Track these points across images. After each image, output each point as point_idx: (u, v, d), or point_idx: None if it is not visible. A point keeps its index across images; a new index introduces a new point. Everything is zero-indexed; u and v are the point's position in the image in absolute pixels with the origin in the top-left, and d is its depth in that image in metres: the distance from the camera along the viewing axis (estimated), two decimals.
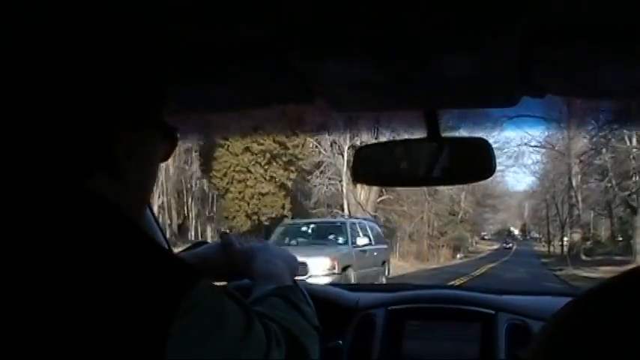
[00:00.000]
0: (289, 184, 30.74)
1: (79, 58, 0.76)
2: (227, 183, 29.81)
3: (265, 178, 29.91)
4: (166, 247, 1.86)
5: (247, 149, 28.76)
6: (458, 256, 41.61)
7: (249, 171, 29.74)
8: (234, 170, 29.42)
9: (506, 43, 0.92)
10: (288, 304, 0.94)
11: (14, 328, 0.65)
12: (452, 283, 15.97)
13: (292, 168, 30.60)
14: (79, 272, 0.67)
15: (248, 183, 29.89)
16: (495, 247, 64.79)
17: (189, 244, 1.37)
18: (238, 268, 1.14)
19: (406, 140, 1.46)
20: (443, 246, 40.51)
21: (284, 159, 29.36)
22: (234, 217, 30.20)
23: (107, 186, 0.77)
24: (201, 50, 1.02)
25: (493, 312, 1.76)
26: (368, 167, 1.48)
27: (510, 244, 57.74)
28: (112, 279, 0.67)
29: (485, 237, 75.65)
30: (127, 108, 0.79)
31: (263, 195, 30.06)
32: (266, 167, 29.62)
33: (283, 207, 30.66)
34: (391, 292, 1.97)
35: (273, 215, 29.87)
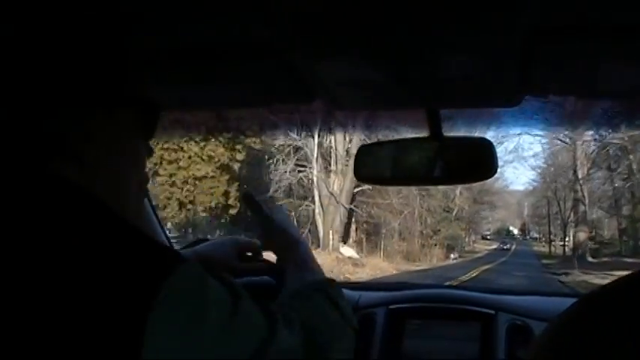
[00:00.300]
0: (235, 166, 25.79)
1: (34, 38, 0.73)
2: (155, 164, 23.63)
3: (202, 158, 24.83)
4: (166, 242, 1.86)
5: (177, 121, 24.21)
6: (452, 256, 39.70)
7: (182, 149, 24.66)
8: (162, 148, 23.70)
9: (508, 42, 0.92)
10: (329, 301, 0.92)
11: None
12: None
13: (239, 147, 25.44)
14: (45, 261, 0.65)
15: (180, 164, 24.91)
16: (494, 246, 62.28)
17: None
18: (274, 250, 1.14)
19: (408, 139, 1.46)
20: (436, 245, 37.91)
21: (226, 135, 21.64)
22: (165, 207, 24.82)
23: (72, 172, 0.74)
24: (202, 49, 1.02)
25: (493, 312, 1.76)
26: (370, 166, 1.48)
27: (508, 245, 54.48)
28: (82, 265, 0.65)
29: (488, 237, 73.92)
30: (75, 89, 0.75)
31: (199, 179, 25.10)
32: (203, 145, 24.27)
33: (226, 195, 25.51)
34: (392, 291, 1.97)
35: (213, 204, 25.55)
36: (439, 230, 38.92)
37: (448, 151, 1.38)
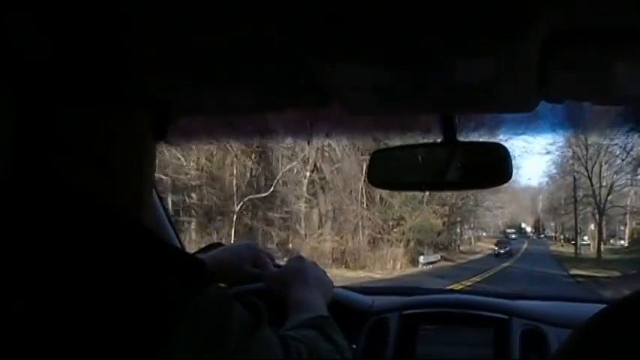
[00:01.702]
0: None
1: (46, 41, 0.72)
2: None
3: None
4: (177, 243, 1.86)
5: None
6: (421, 259, 28.45)
7: None
8: None
9: (525, 47, 0.91)
10: (322, 335, 0.92)
11: (11, 336, 0.63)
12: None
13: None
14: (72, 279, 0.65)
15: None
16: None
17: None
18: (272, 291, 1.13)
19: (422, 144, 1.45)
20: (400, 241, 26.64)
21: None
22: None
23: (97, 182, 0.74)
24: (216, 52, 1.02)
25: (507, 317, 1.75)
26: (384, 171, 1.48)
27: (507, 248, 40.05)
28: (109, 284, 0.65)
29: (503, 232, 64.38)
30: (102, 89, 0.75)
31: None
32: None
33: None
34: (406, 295, 1.96)
35: None
36: (402, 219, 28.18)
37: (462, 156, 1.38)
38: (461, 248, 42.27)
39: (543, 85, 1.07)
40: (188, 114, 1.45)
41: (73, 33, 0.74)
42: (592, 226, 42.32)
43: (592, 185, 36.14)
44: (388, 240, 26.89)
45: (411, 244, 28.38)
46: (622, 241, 43.59)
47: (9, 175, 0.71)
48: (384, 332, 1.76)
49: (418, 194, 25.92)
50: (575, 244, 41.39)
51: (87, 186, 0.73)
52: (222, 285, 1.11)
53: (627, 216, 41.29)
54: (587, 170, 35.93)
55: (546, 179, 52.65)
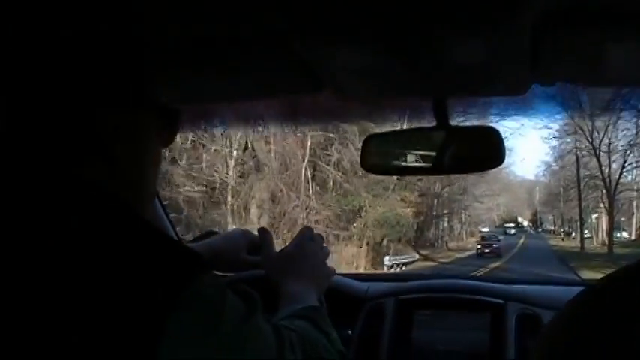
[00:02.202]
0: None
1: (54, 38, 0.74)
2: None
3: None
4: (173, 235, 1.87)
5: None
6: (387, 260, 23.55)
7: None
8: None
9: (517, 28, 0.91)
10: (313, 326, 0.93)
11: (6, 320, 0.64)
12: None
13: None
14: (73, 264, 0.66)
15: None
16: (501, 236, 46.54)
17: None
18: (267, 276, 1.13)
19: (415, 129, 1.45)
20: (360, 238, 22.15)
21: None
22: None
23: (100, 173, 0.76)
24: (207, 39, 1.01)
25: (502, 301, 1.76)
26: (377, 156, 1.48)
27: (495, 245, 33.79)
28: (108, 269, 0.66)
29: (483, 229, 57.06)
30: (109, 86, 0.77)
31: None
32: None
33: None
34: (401, 281, 1.97)
35: None
36: (362, 210, 23.24)
37: (455, 141, 1.38)
38: (450, 245, 39.23)
39: (535, 67, 1.07)
40: (178, 101, 1.44)
41: (86, 33, 0.76)
42: (594, 217, 38.91)
43: (599, 162, 30.20)
44: (344, 237, 22.39)
45: (381, 241, 24.31)
46: (625, 233, 39.69)
47: (22, 162, 0.73)
48: (380, 317, 1.77)
49: (385, 179, 22.13)
50: (581, 237, 36.70)
51: (95, 179, 0.75)
52: (218, 273, 1.12)
53: (634, 203, 37.12)
54: (592, 145, 30.08)
55: (542, 168, 48.88)
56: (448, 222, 41.52)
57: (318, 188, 22.48)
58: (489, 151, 1.36)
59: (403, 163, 1.45)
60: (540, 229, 66.58)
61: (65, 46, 0.74)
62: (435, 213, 35.11)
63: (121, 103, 0.78)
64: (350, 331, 1.72)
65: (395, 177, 20.90)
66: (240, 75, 1.21)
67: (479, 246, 34.77)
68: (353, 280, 1.92)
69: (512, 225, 64.37)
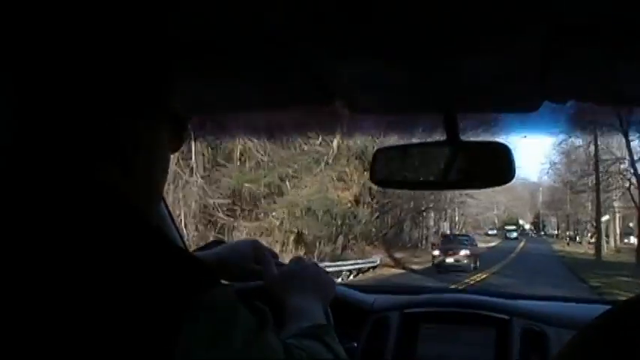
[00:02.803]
0: None
1: (81, 48, 0.75)
2: None
3: None
4: (182, 245, 1.87)
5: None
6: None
7: None
8: None
9: (529, 45, 0.92)
10: (322, 345, 0.92)
11: (16, 325, 0.64)
12: None
13: None
14: (87, 270, 0.66)
15: None
16: (494, 243, 44.19)
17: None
18: (271, 295, 1.11)
19: (425, 143, 1.45)
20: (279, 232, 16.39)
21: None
22: None
23: (117, 179, 0.76)
24: (220, 50, 1.02)
25: (508, 317, 1.75)
26: (386, 169, 1.48)
27: (464, 252, 23.40)
28: (120, 277, 0.66)
29: (488, 232, 55.85)
30: (131, 96, 0.78)
31: None
32: None
33: None
34: (407, 294, 1.96)
35: None
36: (279, 192, 16.53)
37: (465, 155, 1.38)
38: (417, 252, 29.81)
39: (546, 85, 1.07)
40: (193, 112, 1.45)
41: (109, 42, 0.77)
42: (604, 219, 32.70)
43: (628, 140, 23.15)
44: (253, 230, 16.09)
45: (298, 237, 17.29)
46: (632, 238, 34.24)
47: (43, 168, 0.74)
48: (384, 331, 1.77)
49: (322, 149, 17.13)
50: (598, 240, 29.46)
51: (113, 186, 0.76)
52: (226, 282, 1.12)
53: None
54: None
55: (547, 166, 43.33)
56: (434, 220, 36.16)
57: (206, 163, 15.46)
58: (499, 166, 1.36)
59: (413, 177, 1.45)
60: (543, 232, 62.94)
61: (90, 55, 0.75)
62: (411, 205, 28.61)
63: (142, 111, 0.79)
64: (355, 344, 1.71)
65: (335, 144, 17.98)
66: (252, 86, 1.22)
67: (435, 253, 24.15)
68: (358, 292, 1.92)
69: (513, 227, 58.47)
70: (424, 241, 32.97)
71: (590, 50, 0.95)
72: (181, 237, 1.95)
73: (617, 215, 34.68)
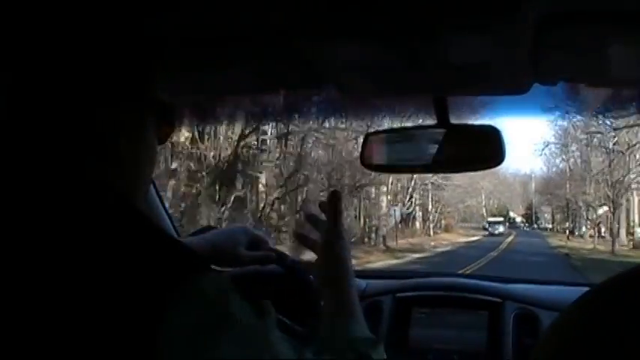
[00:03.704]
0: None
1: (61, 40, 0.74)
2: None
3: None
4: (173, 231, 1.86)
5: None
6: None
7: None
8: None
9: (518, 27, 0.91)
10: None
11: (5, 316, 0.64)
12: None
13: None
14: (70, 262, 0.65)
15: None
16: (474, 238, 37.66)
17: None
18: (320, 274, 1.04)
19: (415, 127, 1.45)
20: None
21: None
22: None
23: (103, 170, 0.76)
24: (208, 34, 1.01)
25: (500, 300, 1.76)
26: (376, 153, 1.47)
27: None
28: (102, 263, 0.65)
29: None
30: (113, 85, 0.77)
31: None
32: None
33: None
34: (399, 279, 1.97)
35: None
36: None
37: (455, 139, 1.37)
38: (390, 243, 25.13)
39: (536, 66, 1.07)
40: (182, 96, 1.44)
41: (88, 32, 0.76)
42: (601, 210, 28.90)
43: None
44: None
45: None
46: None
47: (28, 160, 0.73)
48: (377, 315, 1.77)
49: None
50: (612, 235, 24.76)
51: (98, 176, 0.75)
52: (217, 268, 1.10)
53: None
54: None
55: (540, 148, 37.12)
56: (403, 206, 27.98)
57: None
58: (490, 149, 1.36)
59: (403, 161, 1.45)
60: (536, 225, 53.79)
61: (68, 46, 0.74)
62: (344, 180, 20.86)
63: (124, 101, 0.78)
64: None
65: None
66: (241, 71, 1.21)
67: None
68: None
69: (498, 220, 46.67)
70: (373, 235, 25.37)
71: (580, 31, 0.94)
72: (174, 227, 1.94)
73: (637, 200, 28.60)
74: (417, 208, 32.40)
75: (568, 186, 35.74)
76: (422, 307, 1.82)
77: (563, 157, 35.72)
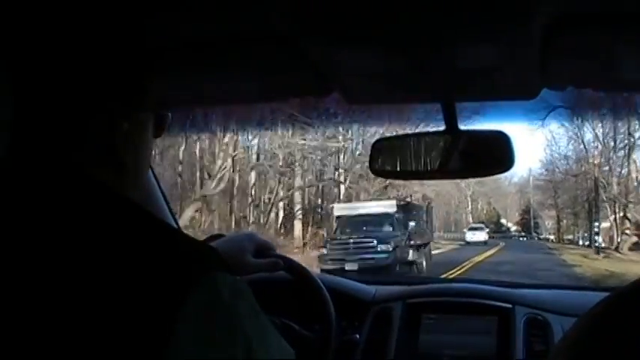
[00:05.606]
0: None
1: (62, 44, 0.74)
2: None
3: None
4: (172, 222, 1.85)
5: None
6: None
7: None
8: None
9: (526, 32, 0.91)
10: None
11: (12, 320, 0.63)
12: None
13: None
14: (81, 263, 0.65)
15: None
16: (439, 250, 26.05)
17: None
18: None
19: (424, 133, 1.45)
20: None
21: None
22: None
23: (110, 172, 0.76)
24: (216, 40, 1.01)
25: (510, 306, 1.75)
26: (385, 160, 1.47)
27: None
28: (117, 267, 0.65)
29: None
30: (120, 92, 0.77)
31: None
32: None
33: None
34: (408, 285, 1.96)
35: None
36: None
37: (464, 144, 1.37)
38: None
39: (545, 71, 1.06)
40: (188, 104, 1.45)
41: (95, 39, 0.77)
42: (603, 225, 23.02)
43: None
44: None
45: None
46: None
47: (33, 163, 0.73)
48: (387, 321, 1.77)
49: None
50: None
51: (102, 177, 0.75)
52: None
53: None
54: None
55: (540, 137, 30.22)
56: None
57: None
58: (499, 155, 1.35)
59: (412, 167, 1.44)
60: (535, 235, 43.76)
61: (69, 47, 0.74)
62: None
63: (130, 107, 0.78)
64: (357, 335, 1.71)
65: None
66: (249, 77, 1.21)
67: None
68: (360, 283, 1.92)
69: (477, 226, 38.15)
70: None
71: (589, 36, 0.94)
72: (175, 220, 1.94)
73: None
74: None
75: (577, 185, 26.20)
76: (432, 312, 1.82)
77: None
